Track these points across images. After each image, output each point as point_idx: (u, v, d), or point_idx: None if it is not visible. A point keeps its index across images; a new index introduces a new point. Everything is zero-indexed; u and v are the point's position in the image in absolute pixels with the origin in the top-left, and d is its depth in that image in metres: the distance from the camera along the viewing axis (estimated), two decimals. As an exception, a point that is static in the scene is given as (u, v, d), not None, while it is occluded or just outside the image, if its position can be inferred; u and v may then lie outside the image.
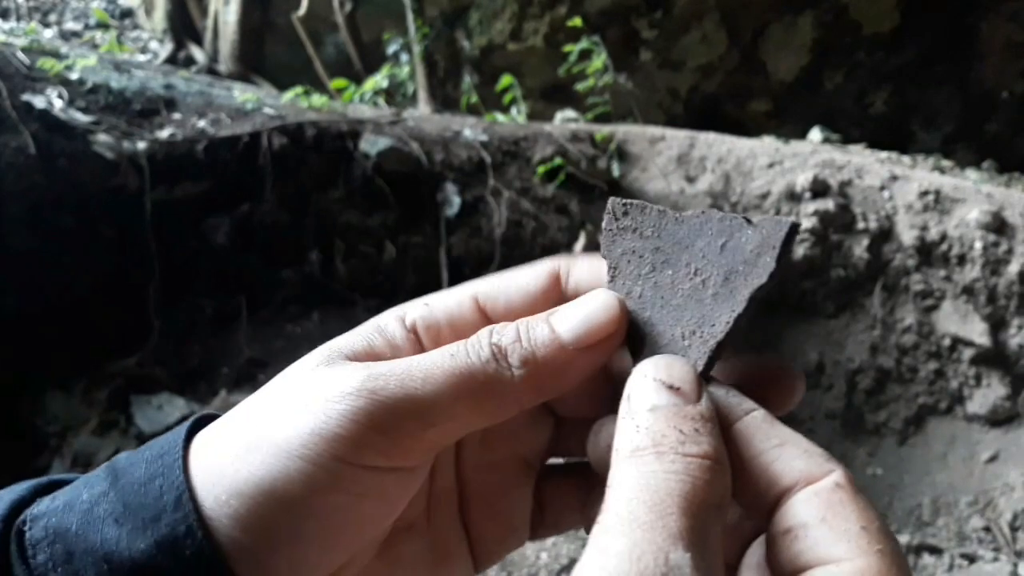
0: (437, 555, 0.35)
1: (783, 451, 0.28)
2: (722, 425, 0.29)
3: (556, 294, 0.35)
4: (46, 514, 0.28)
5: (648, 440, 0.26)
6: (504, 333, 0.30)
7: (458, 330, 0.34)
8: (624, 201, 0.34)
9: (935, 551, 2.77)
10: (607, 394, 0.33)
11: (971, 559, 2.73)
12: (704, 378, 0.30)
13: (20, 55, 2.70)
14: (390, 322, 0.34)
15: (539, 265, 0.35)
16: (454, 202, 2.90)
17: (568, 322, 0.30)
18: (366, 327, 0.34)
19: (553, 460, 0.39)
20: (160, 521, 0.27)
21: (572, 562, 2.12)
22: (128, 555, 0.27)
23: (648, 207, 0.34)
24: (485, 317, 0.34)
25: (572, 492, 0.38)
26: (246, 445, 0.28)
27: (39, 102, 2.58)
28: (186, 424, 0.31)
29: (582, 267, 0.35)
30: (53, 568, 0.27)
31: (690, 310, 0.32)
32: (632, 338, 0.32)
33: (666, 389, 0.28)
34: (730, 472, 0.27)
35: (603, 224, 0.34)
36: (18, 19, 4.26)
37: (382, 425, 0.28)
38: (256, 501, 0.28)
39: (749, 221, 0.31)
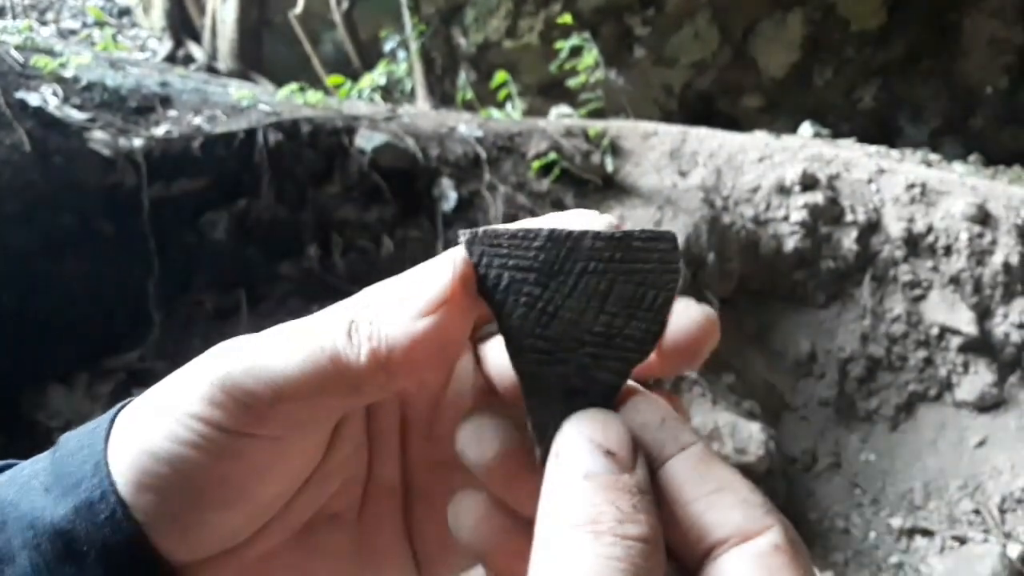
0: (365, 551, 0.34)
1: (719, 498, 0.25)
2: (652, 463, 0.26)
3: None
4: None
5: (584, 516, 0.24)
6: (359, 307, 0.29)
7: None
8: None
9: (927, 534, 2.83)
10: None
11: (961, 541, 2.79)
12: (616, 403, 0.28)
13: (14, 53, 2.70)
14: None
15: None
16: (450, 197, 2.93)
17: (410, 286, 0.28)
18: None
19: None
20: (80, 487, 0.28)
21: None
22: (50, 520, 0.28)
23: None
24: None
25: None
26: (142, 410, 0.30)
27: (33, 99, 2.57)
28: (124, 402, 0.32)
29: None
30: None
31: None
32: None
33: (602, 454, 0.25)
34: (664, 549, 0.24)
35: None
36: (14, 17, 4.25)
37: (230, 387, 0.28)
38: (142, 460, 0.28)
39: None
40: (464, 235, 0.29)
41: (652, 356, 0.29)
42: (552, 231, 0.28)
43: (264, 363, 0.28)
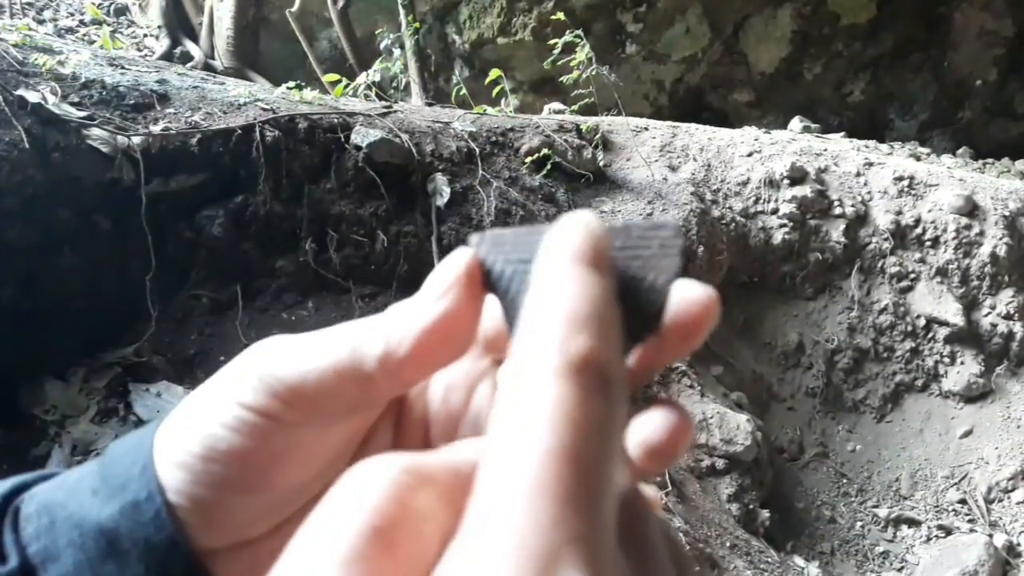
0: None
1: None
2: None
3: None
4: (41, 491, 0.31)
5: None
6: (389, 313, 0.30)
7: None
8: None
9: (913, 523, 2.86)
10: None
11: (948, 531, 2.82)
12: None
13: (12, 50, 2.73)
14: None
15: None
16: (444, 192, 2.96)
17: (425, 289, 0.29)
18: None
19: None
20: (127, 489, 0.30)
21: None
22: (96, 520, 0.29)
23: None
24: None
25: None
26: (184, 403, 0.32)
27: (32, 97, 2.61)
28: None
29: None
30: (37, 537, 0.29)
31: None
32: None
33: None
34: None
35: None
36: (12, 15, 4.27)
37: (263, 372, 0.29)
38: (176, 440, 0.30)
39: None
40: (473, 238, 0.31)
41: (653, 340, 0.29)
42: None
43: (295, 352, 0.30)
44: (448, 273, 0.29)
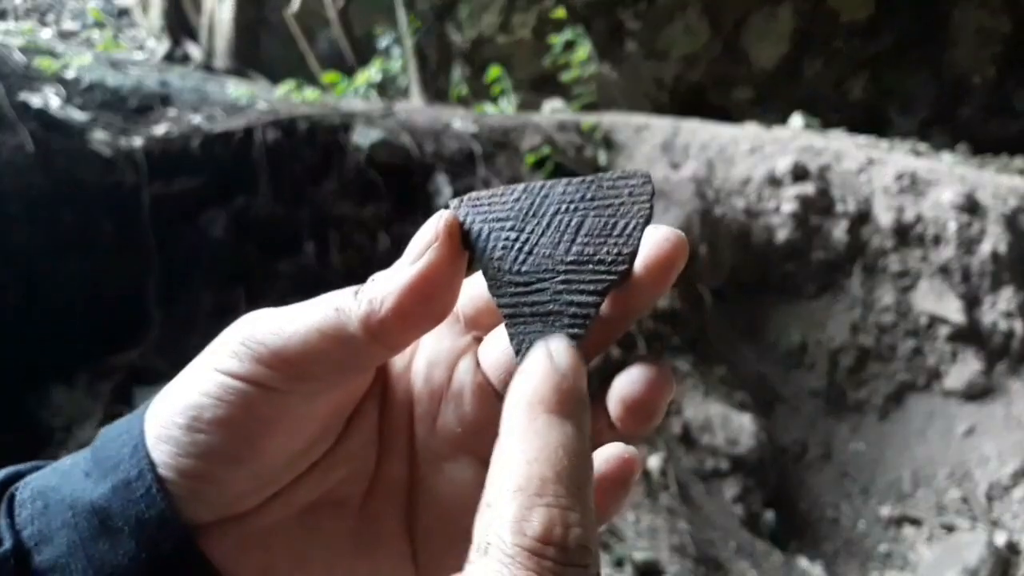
0: (365, 541, 0.34)
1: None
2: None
3: None
4: (35, 478, 0.31)
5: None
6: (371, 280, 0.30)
7: None
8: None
9: (915, 522, 2.87)
10: None
11: (949, 529, 2.83)
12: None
13: (17, 54, 2.74)
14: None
15: None
16: (445, 192, 2.97)
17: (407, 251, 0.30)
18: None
19: None
20: (118, 468, 0.30)
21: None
22: (88, 500, 0.29)
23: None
24: None
25: None
26: (173, 382, 0.32)
27: (36, 100, 2.61)
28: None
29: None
30: (31, 521, 0.30)
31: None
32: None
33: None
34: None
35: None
36: (15, 19, 4.28)
37: (247, 339, 0.30)
38: (162, 415, 0.30)
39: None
40: (452, 202, 0.32)
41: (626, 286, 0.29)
42: (527, 185, 0.31)
43: (278, 318, 0.30)
44: (427, 234, 0.30)
